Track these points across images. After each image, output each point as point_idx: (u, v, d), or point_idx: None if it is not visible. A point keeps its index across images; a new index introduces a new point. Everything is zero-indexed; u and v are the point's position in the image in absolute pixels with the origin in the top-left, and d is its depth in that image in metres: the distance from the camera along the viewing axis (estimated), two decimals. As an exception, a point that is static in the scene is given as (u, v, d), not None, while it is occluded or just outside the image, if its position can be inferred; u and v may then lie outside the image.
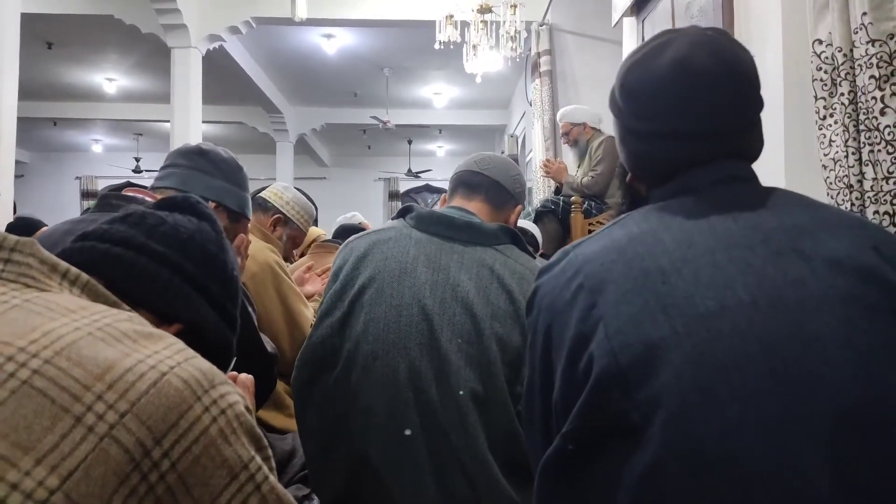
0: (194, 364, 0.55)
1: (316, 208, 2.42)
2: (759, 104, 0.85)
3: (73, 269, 0.61)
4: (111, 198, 1.36)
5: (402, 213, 1.36)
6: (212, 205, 1.40)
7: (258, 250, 1.87)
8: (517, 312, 1.17)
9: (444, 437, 1.12)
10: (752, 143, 0.86)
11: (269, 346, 1.43)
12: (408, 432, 1.13)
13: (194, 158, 1.44)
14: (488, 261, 1.22)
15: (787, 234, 0.73)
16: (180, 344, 0.57)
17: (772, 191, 0.82)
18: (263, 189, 2.30)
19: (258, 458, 0.56)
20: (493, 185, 1.38)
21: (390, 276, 1.22)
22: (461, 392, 1.12)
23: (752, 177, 0.84)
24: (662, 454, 0.65)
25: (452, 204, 1.38)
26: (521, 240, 1.32)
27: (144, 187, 1.46)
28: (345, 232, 3.18)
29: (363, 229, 3.14)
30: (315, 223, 2.78)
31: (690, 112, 0.81)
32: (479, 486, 1.11)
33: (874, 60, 1.39)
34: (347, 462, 1.19)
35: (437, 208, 1.38)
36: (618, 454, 0.69)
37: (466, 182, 1.39)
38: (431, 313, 1.17)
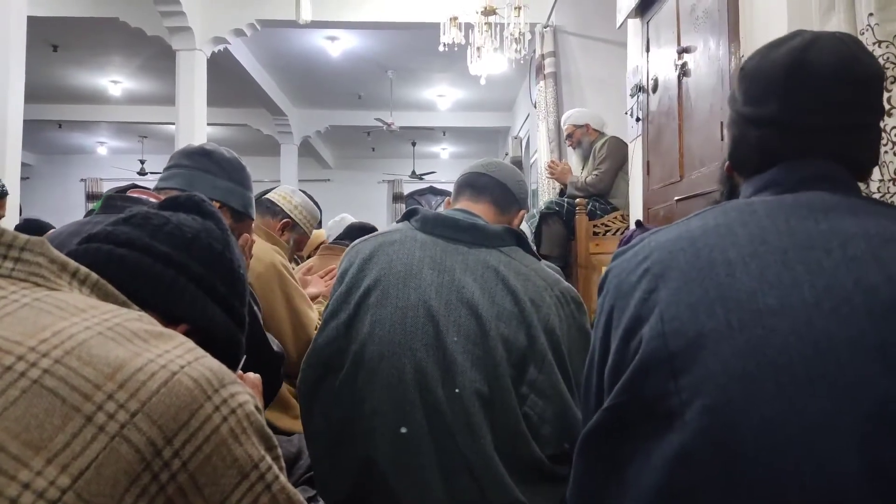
0: (204, 363, 0.55)
1: (320, 210, 2.43)
2: (872, 110, 0.83)
3: (83, 269, 0.61)
4: (116, 199, 1.36)
5: (408, 216, 1.36)
6: (216, 205, 1.40)
7: (264, 251, 1.88)
8: (522, 313, 1.18)
9: (451, 437, 1.12)
10: (856, 148, 0.84)
11: (275, 345, 1.43)
12: (403, 430, 1.13)
13: (198, 159, 1.44)
14: (493, 262, 1.23)
15: (868, 242, 0.71)
16: (190, 343, 0.57)
17: (861, 197, 0.81)
18: (270, 191, 2.31)
19: (268, 458, 0.56)
20: (498, 186, 1.39)
21: (396, 277, 1.22)
22: (458, 390, 1.13)
23: (845, 180, 0.82)
24: (697, 440, 0.66)
25: (458, 206, 1.39)
26: (526, 241, 1.32)
27: (148, 188, 1.46)
28: (352, 231, 3.17)
29: (369, 227, 3.16)
30: (319, 225, 2.77)
31: (795, 103, 0.81)
32: (486, 486, 1.11)
33: (881, 61, 1.39)
34: (354, 464, 1.19)
35: (441, 210, 1.38)
36: (653, 435, 0.70)
37: (472, 183, 1.40)
38: (437, 314, 1.17)
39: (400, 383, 1.15)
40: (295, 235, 2.27)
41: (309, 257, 3.37)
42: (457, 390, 1.13)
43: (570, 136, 4.02)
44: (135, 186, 1.45)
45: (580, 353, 1.20)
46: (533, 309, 1.18)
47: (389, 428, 1.15)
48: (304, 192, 2.38)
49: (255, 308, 1.38)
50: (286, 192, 2.29)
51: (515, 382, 1.15)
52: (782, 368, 0.65)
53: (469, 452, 1.11)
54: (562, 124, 4.16)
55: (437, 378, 1.14)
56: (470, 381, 1.13)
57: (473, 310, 1.17)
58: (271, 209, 2.20)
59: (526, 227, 2.93)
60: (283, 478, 0.57)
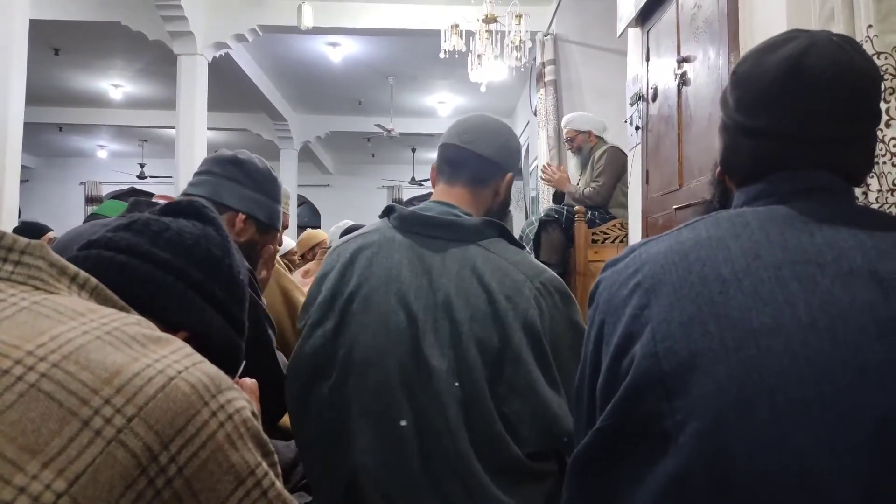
0: (202, 369, 0.55)
1: (319, 215, 2.46)
2: (869, 117, 0.81)
3: (83, 273, 0.61)
4: (143, 204, 1.37)
5: (387, 213, 1.34)
6: (242, 216, 1.40)
7: None
8: (496, 313, 1.16)
9: (436, 440, 1.13)
10: (853, 157, 0.81)
11: (285, 368, 1.43)
12: (403, 423, 1.14)
13: (229, 168, 1.43)
14: (470, 258, 1.21)
15: (864, 255, 0.69)
16: (188, 348, 0.57)
17: (859, 208, 0.79)
18: None
19: (264, 464, 0.56)
20: (475, 158, 1.33)
21: (376, 282, 1.22)
22: (437, 393, 1.13)
23: (842, 190, 0.79)
24: (691, 464, 0.65)
25: (436, 194, 1.37)
26: (507, 232, 1.29)
27: (148, 193, 1.46)
28: (347, 234, 3.19)
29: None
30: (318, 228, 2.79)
31: (788, 111, 0.79)
32: (470, 489, 1.11)
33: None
34: (345, 470, 1.19)
35: (416, 208, 1.33)
36: (646, 457, 0.68)
37: (450, 160, 1.35)
38: (416, 318, 1.18)
39: (387, 388, 1.16)
40: None
41: (303, 256, 3.40)
42: (436, 393, 1.13)
43: (570, 140, 4.00)
44: (135, 190, 1.45)
45: (570, 348, 1.18)
46: (509, 307, 1.17)
47: (379, 433, 1.16)
48: (301, 196, 2.42)
49: (270, 332, 1.37)
50: None
51: (491, 383, 1.14)
52: (777, 391, 0.64)
53: (452, 455, 1.12)
54: (562, 126, 4.14)
55: (419, 382, 1.15)
56: (446, 384, 1.13)
57: (448, 312, 1.17)
58: None
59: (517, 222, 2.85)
60: (278, 484, 0.57)
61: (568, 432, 1.11)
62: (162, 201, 1.36)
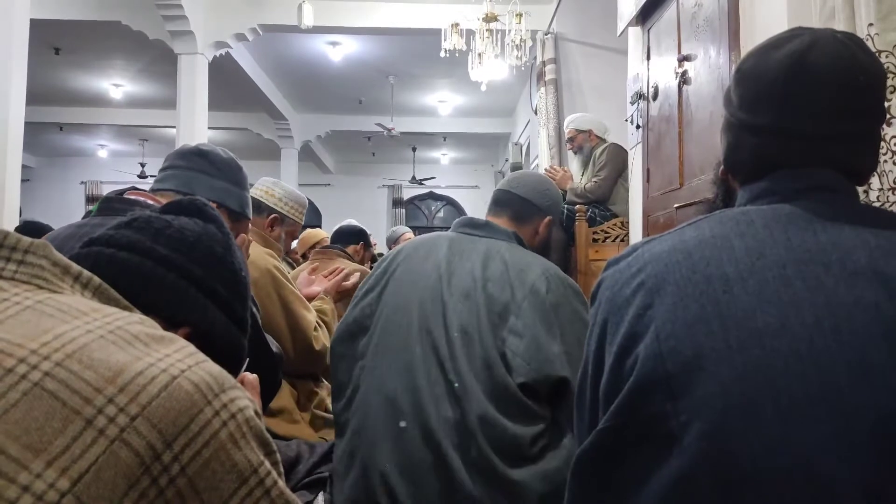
0: (205, 368, 0.55)
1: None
2: (872, 116, 0.80)
3: (86, 272, 0.61)
4: (114, 201, 1.36)
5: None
6: (213, 206, 1.40)
7: (258, 256, 1.88)
8: (508, 279, 1.43)
9: (441, 366, 1.36)
10: (856, 155, 0.81)
11: (273, 346, 1.43)
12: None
13: (194, 160, 1.44)
14: (496, 246, 1.51)
15: (868, 254, 0.69)
16: (191, 347, 0.57)
17: (862, 207, 0.79)
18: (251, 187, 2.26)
19: (267, 463, 0.56)
20: (518, 200, 1.65)
21: (419, 258, 1.53)
22: (448, 329, 1.38)
23: (845, 189, 0.79)
24: (696, 466, 0.64)
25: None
26: (528, 247, 1.58)
27: (146, 191, 1.46)
28: (340, 235, 3.20)
29: (358, 230, 3.27)
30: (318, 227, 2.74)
31: (791, 109, 0.78)
32: (464, 405, 1.31)
33: (881, 71, 1.39)
34: (368, 396, 1.40)
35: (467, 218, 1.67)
36: (650, 458, 0.68)
37: (496, 200, 1.69)
38: (443, 277, 1.46)
39: (409, 327, 1.41)
40: (285, 228, 2.24)
41: (304, 256, 3.39)
42: (446, 328, 1.38)
43: (571, 139, 4.01)
44: (134, 189, 1.44)
45: (574, 333, 1.36)
46: (519, 276, 1.42)
47: (398, 361, 1.38)
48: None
49: (254, 309, 1.38)
50: (267, 186, 2.23)
51: (495, 326, 1.37)
52: (782, 391, 0.63)
53: (454, 377, 1.34)
54: (564, 127, 4.15)
55: (436, 321, 1.40)
56: (458, 320, 1.38)
57: (472, 274, 1.45)
58: (257, 207, 2.14)
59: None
60: (281, 483, 0.58)
61: (559, 378, 1.30)
62: (134, 197, 1.36)
